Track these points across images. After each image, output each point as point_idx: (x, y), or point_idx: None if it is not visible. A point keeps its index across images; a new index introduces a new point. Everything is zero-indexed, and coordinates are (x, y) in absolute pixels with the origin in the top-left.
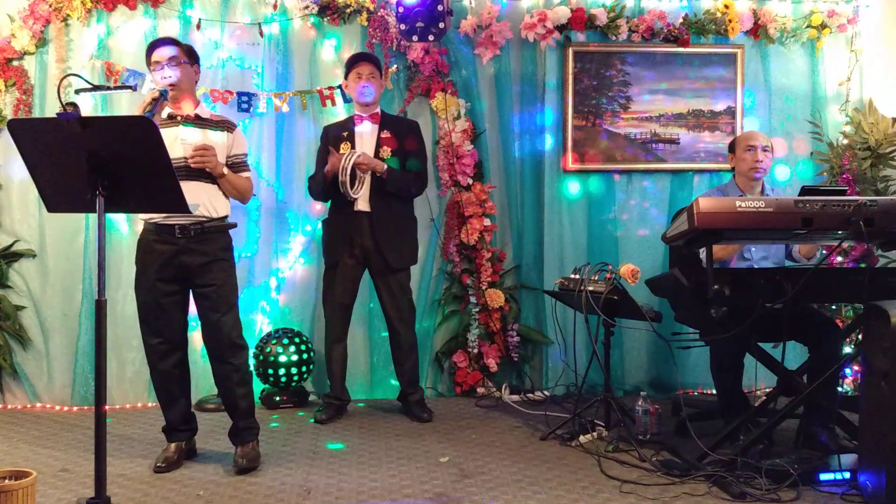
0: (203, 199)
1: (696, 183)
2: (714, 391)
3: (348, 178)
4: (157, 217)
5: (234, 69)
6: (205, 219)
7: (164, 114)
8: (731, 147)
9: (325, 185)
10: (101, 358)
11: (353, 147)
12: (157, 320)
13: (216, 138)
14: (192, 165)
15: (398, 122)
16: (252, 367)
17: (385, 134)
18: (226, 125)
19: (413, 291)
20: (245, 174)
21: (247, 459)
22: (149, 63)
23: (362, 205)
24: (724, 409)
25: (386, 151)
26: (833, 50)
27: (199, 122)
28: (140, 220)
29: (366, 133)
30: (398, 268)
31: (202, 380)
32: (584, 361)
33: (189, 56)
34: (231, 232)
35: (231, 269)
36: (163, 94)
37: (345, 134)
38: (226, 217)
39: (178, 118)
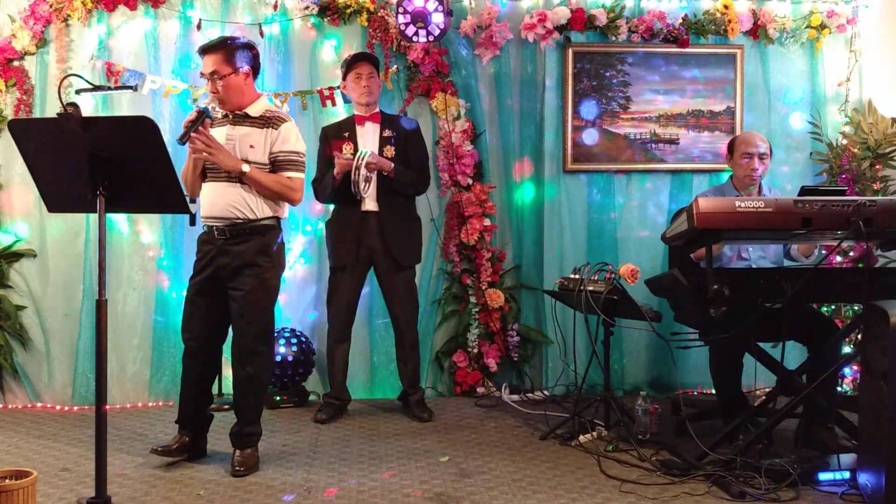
0: (232, 200)
1: (695, 183)
2: (713, 391)
3: (361, 178)
4: (206, 215)
5: None
6: (240, 220)
7: (219, 113)
8: (730, 148)
9: (334, 188)
10: (102, 358)
11: (355, 147)
12: (190, 318)
13: (253, 135)
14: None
15: (399, 121)
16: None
17: (386, 133)
18: (271, 122)
19: None
20: (286, 174)
21: (244, 468)
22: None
23: (370, 204)
24: (723, 409)
25: (389, 151)
26: (832, 50)
27: (246, 120)
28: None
29: (368, 133)
30: (407, 266)
31: None
32: (583, 361)
33: (237, 58)
34: None
35: (266, 272)
36: (204, 113)
37: (346, 134)
38: (274, 218)
39: (229, 116)
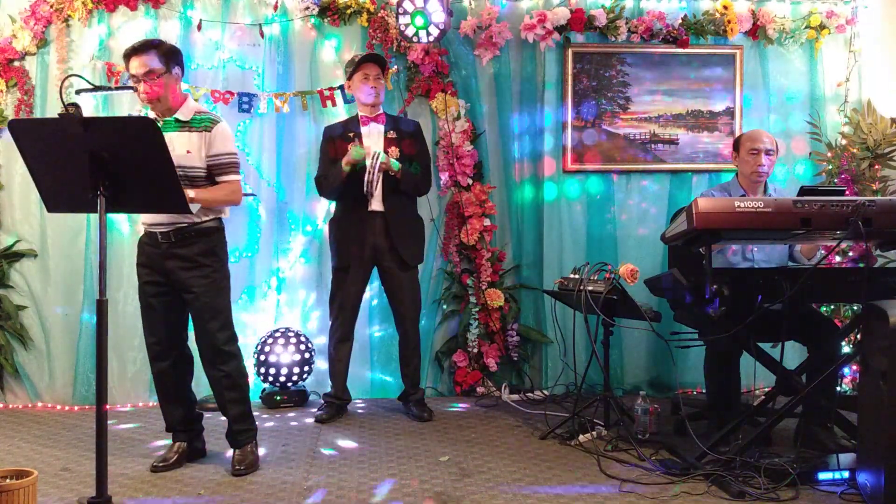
0: None
1: (694, 183)
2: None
3: (375, 177)
4: (147, 222)
5: (234, 70)
6: (185, 224)
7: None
8: (736, 145)
9: (342, 182)
10: (103, 357)
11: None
12: (150, 320)
13: (187, 141)
14: None
15: (402, 122)
16: (254, 367)
17: (391, 135)
18: (203, 125)
19: None
20: (226, 178)
21: (244, 466)
22: (127, 68)
23: (376, 204)
24: (712, 408)
25: (394, 152)
26: (832, 51)
27: (176, 125)
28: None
29: (373, 134)
30: (412, 265)
31: (203, 379)
32: (583, 361)
33: (168, 58)
34: (232, 232)
35: (215, 273)
36: None
37: (351, 134)
38: (217, 219)
39: (160, 122)
